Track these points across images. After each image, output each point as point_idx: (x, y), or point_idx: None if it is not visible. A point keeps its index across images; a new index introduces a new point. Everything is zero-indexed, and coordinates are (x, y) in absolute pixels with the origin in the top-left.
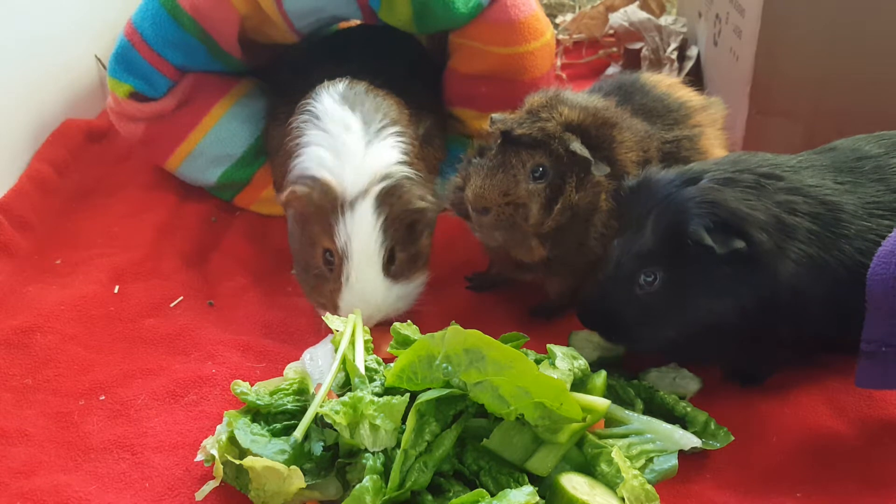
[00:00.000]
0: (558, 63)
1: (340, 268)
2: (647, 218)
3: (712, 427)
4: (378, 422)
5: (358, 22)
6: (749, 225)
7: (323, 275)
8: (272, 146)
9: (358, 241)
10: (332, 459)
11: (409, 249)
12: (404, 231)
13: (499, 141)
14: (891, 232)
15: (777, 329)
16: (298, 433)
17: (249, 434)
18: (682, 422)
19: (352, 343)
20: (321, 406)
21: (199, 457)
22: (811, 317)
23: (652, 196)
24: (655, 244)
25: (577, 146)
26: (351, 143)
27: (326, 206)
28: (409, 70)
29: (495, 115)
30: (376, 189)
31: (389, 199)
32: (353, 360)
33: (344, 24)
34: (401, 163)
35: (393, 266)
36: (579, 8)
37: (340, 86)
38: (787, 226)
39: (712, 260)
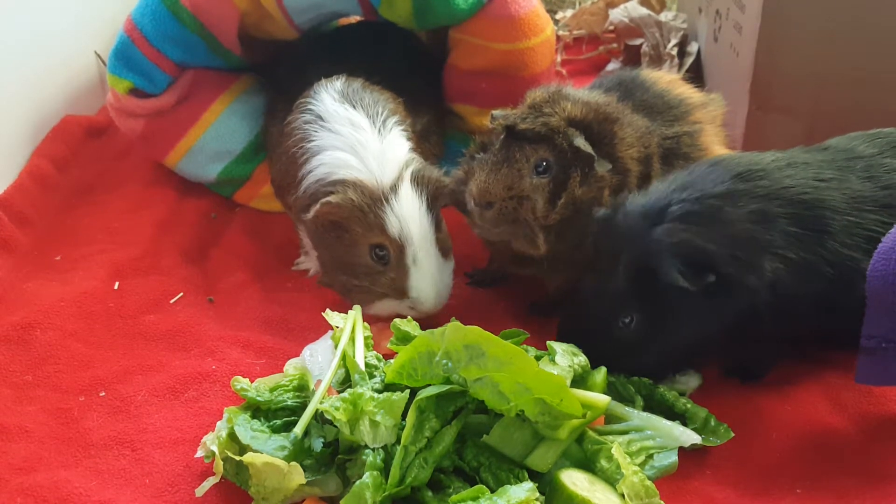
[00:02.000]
0: (558, 59)
1: (401, 255)
2: (618, 260)
3: (712, 423)
4: (378, 418)
5: (358, 18)
6: (715, 260)
7: (373, 271)
8: (271, 143)
9: (413, 222)
10: (332, 456)
11: (439, 232)
12: (437, 211)
13: (502, 136)
14: (879, 226)
15: (771, 330)
16: (298, 429)
17: (249, 430)
18: (682, 418)
19: (352, 339)
20: (321, 402)
21: (199, 453)
22: (803, 315)
23: (621, 235)
24: (629, 289)
25: (580, 142)
26: (366, 140)
27: (366, 203)
28: (408, 67)
29: (496, 112)
30: (408, 173)
31: (422, 179)
32: (353, 357)
33: (344, 21)
34: (412, 149)
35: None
36: (579, 4)
37: (338, 83)
38: (759, 240)
39: (685, 295)
